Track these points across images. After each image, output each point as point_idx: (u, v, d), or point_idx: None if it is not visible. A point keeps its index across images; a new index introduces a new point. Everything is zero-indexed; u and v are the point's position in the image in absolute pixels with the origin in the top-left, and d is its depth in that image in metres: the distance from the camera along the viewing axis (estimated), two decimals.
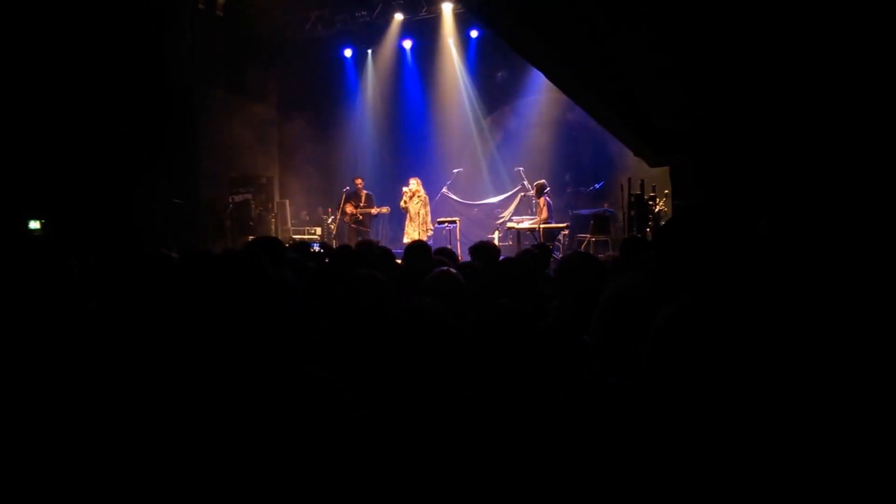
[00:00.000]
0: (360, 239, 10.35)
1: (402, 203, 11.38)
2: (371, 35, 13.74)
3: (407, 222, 11.37)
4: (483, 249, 4.26)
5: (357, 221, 11.81)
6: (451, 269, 2.86)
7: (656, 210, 8.98)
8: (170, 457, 1.58)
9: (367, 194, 11.92)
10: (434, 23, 13.23)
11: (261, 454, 1.38)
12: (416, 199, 11.26)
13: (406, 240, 10.94)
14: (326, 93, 13.75)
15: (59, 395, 1.85)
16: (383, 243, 12.79)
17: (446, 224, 11.13)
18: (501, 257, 4.34)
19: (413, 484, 1.49)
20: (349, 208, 11.86)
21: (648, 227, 8.24)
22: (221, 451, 1.46)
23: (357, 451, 1.44)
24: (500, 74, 13.29)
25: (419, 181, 11.45)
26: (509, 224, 11.21)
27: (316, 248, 6.22)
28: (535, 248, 4.79)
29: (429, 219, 11.44)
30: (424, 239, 10.86)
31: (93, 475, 1.61)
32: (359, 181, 12.02)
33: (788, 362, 1.06)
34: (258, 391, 1.44)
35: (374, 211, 11.81)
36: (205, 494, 1.48)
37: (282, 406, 1.40)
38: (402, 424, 1.57)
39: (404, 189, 11.42)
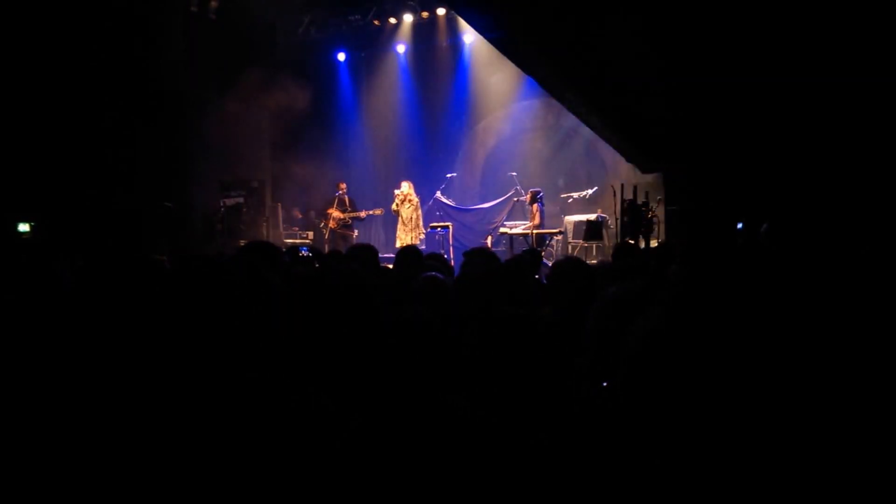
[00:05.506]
0: (345, 244, 10.38)
1: (393, 206, 11.34)
2: (365, 39, 13.72)
3: (399, 226, 11.32)
4: (478, 255, 4.23)
5: (345, 226, 11.80)
6: (439, 275, 2.85)
7: (649, 216, 8.99)
8: (156, 461, 1.56)
9: (350, 199, 11.92)
10: (428, 27, 13.23)
11: (244, 462, 1.37)
12: (407, 203, 11.20)
13: (399, 244, 10.91)
14: (319, 96, 13.70)
15: (46, 400, 1.83)
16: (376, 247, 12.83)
17: (439, 229, 11.10)
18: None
19: (394, 493, 1.48)
20: (337, 213, 11.84)
21: (640, 232, 8.25)
22: (206, 457, 1.44)
23: (337, 460, 1.42)
24: (493, 79, 13.29)
25: (411, 185, 11.40)
26: (502, 229, 11.20)
27: (305, 252, 6.20)
28: (526, 254, 4.77)
29: (421, 223, 11.39)
30: (416, 243, 10.83)
31: (78, 480, 1.59)
32: (343, 186, 12.01)
33: (769, 366, 1.05)
34: (238, 399, 1.43)
35: (363, 214, 11.80)
36: (188, 499, 1.47)
37: (263, 416, 1.39)
38: (387, 433, 1.56)
39: (396, 192, 11.39)
